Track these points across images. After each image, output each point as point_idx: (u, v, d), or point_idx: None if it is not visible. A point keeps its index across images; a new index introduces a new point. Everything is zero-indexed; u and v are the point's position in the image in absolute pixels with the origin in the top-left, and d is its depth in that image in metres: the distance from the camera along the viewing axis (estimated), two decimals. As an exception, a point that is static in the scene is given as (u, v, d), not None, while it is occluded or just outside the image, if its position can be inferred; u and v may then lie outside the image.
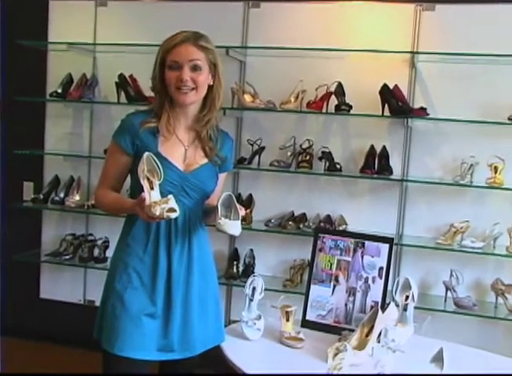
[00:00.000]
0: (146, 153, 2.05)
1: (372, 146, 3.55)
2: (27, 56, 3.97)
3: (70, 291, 4.16)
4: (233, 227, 2.10)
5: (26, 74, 4.03)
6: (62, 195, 3.97)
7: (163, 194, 2.03)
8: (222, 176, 2.33)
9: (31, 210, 4.07)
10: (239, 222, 2.12)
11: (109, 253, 3.67)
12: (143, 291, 2.13)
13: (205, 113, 2.21)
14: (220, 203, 2.14)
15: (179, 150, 2.20)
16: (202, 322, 2.20)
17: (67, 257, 3.94)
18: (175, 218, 2.07)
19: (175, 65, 2.12)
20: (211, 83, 2.19)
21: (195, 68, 2.13)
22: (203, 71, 2.14)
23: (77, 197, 3.95)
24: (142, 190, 2.00)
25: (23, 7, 4.03)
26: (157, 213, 1.94)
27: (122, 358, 2.09)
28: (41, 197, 3.97)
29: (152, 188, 2.02)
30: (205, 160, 2.23)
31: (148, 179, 2.03)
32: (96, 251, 3.93)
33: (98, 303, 2.28)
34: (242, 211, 2.16)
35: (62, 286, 4.18)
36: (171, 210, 1.95)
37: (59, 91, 3.88)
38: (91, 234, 4.02)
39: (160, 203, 1.96)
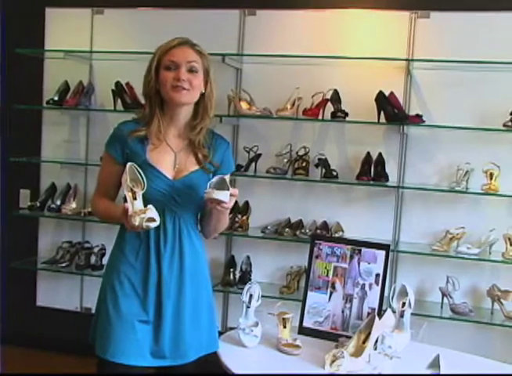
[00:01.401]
0: (129, 164, 2.05)
1: (368, 153, 3.56)
2: (24, 63, 3.98)
3: (66, 298, 4.15)
4: (221, 195, 2.03)
5: (22, 82, 4.04)
6: (58, 202, 3.96)
7: (152, 203, 2.03)
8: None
9: (28, 217, 4.07)
10: (229, 192, 2.05)
11: (106, 260, 3.67)
12: (135, 298, 2.14)
13: (198, 122, 2.21)
14: (210, 182, 2.08)
15: (169, 157, 2.19)
16: (195, 329, 2.19)
17: (64, 264, 3.92)
18: (165, 226, 2.11)
19: (173, 65, 2.14)
20: (203, 90, 2.20)
21: (191, 70, 2.14)
22: (198, 74, 2.16)
23: (74, 205, 3.95)
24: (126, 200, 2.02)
25: (20, 15, 4.04)
26: (136, 223, 1.95)
27: (115, 364, 2.09)
28: (38, 204, 3.97)
29: (135, 198, 2.02)
30: (196, 167, 2.21)
31: (131, 189, 2.04)
32: (93, 259, 3.92)
33: (95, 310, 2.28)
34: (234, 190, 2.08)
35: (59, 293, 4.17)
36: (151, 219, 1.96)
37: (56, 98, 3.88)
38: (87, 242, 4.01)
39: (140, 213, 1.97)
